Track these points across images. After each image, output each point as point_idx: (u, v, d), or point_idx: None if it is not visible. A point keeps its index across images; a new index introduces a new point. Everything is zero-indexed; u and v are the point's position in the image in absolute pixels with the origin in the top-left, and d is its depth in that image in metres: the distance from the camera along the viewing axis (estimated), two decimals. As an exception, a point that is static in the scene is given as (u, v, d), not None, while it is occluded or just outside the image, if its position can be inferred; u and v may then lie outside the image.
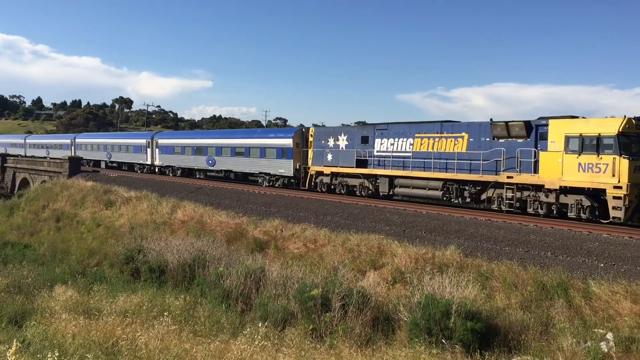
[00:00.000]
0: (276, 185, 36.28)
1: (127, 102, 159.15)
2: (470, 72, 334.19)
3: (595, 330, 12.37)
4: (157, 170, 50.06)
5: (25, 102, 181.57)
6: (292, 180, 35.18)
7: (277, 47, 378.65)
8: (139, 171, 51.84)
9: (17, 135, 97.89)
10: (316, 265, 18.26)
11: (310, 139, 33.53)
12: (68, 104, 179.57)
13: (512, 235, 19.04)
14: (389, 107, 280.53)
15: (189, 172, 46.14)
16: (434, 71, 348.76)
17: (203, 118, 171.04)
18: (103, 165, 58.58)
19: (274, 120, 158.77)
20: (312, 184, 32.97)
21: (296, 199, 29.67)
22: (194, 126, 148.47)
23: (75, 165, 49.34)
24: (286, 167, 34.99)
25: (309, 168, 33.19)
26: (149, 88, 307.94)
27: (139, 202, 33.50)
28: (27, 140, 79.24)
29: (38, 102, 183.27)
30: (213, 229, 25.37)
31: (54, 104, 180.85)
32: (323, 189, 32.17)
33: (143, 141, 51.70)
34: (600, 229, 19.36)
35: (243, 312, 15.72)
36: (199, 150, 44.09)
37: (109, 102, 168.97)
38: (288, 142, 34.93)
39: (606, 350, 11.64)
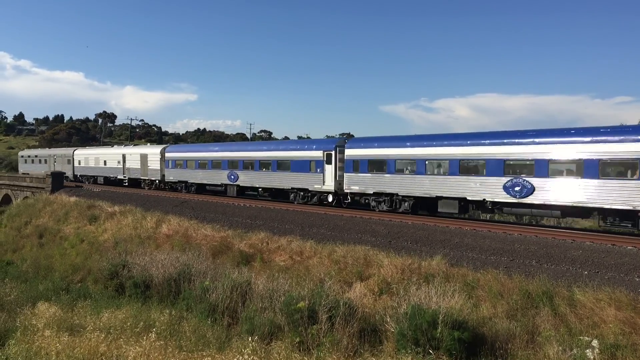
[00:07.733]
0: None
1: (111, 117, 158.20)
2: (453, 82, 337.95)
3: (581, 337, 12.43)
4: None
5: (7, 118, 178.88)
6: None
7: (262, 60, 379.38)
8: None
9: None
10: (302, 277, 18.17)
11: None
12: (50, 119, 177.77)
13: (496, 244, 19.15)
14: (373, 117, 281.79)
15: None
16: (418, 82, 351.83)
17: (187, 131, 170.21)
18: None
19: (258, 132, 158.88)
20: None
21: (282, 211, 29.62)
22: (177, 140, 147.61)
23: (58, 181, 48.90)
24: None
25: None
26: (133, 102, 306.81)
27: (123, 216, 33.21)
28: None
29: (20, 117, 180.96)
30: (198, 242, 25.20)
31: (36, 119, 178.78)
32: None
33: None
34: (583, 237, 19.54)
35: (229, 326, 15.56)
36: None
37: (92, 117, 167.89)
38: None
39: (592, 357, 11.70)
